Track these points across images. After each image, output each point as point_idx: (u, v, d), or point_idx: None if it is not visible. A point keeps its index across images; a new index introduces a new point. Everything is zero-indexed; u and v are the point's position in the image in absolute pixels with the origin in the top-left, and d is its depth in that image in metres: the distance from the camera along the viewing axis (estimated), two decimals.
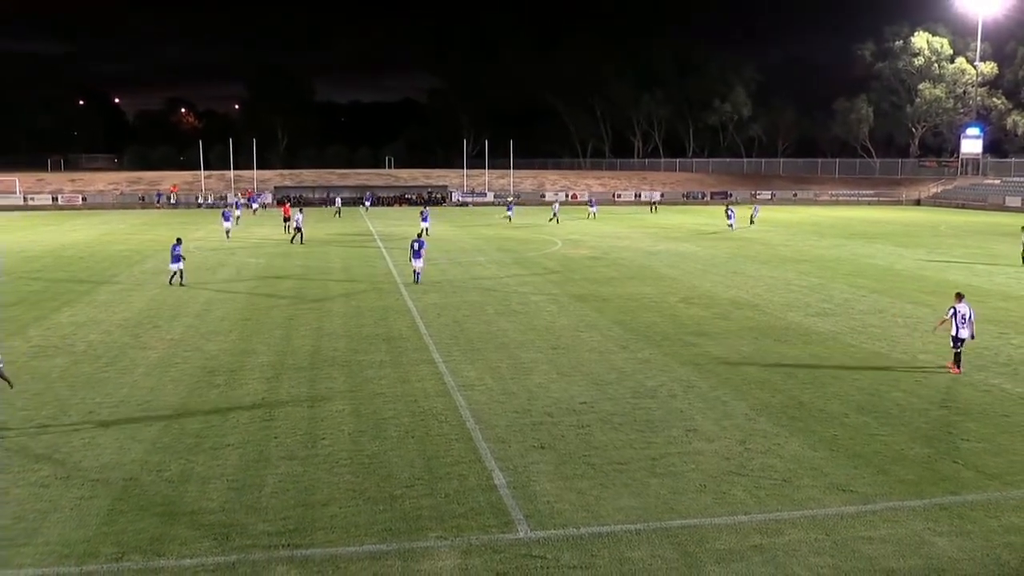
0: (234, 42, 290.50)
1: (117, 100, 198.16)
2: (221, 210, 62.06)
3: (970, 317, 19.57)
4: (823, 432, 15.72)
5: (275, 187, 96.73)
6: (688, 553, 11.09)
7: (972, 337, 19.93)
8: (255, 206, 77.47)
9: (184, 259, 33.60)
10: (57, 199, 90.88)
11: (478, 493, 12.98)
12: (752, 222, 62.58)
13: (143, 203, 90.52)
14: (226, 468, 13.98)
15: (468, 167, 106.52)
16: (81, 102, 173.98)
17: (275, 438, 15.45)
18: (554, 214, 66.64)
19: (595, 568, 10.70)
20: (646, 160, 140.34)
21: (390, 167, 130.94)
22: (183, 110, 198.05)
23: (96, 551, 11.14)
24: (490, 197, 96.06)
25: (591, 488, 13.15)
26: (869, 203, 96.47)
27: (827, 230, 59.28)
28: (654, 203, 80.00)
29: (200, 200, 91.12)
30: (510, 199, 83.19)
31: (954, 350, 19.88)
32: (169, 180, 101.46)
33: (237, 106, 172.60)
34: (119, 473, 13.77)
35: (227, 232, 53.27)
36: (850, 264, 39.88)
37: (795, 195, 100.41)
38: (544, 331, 24.62)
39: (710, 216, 73.30)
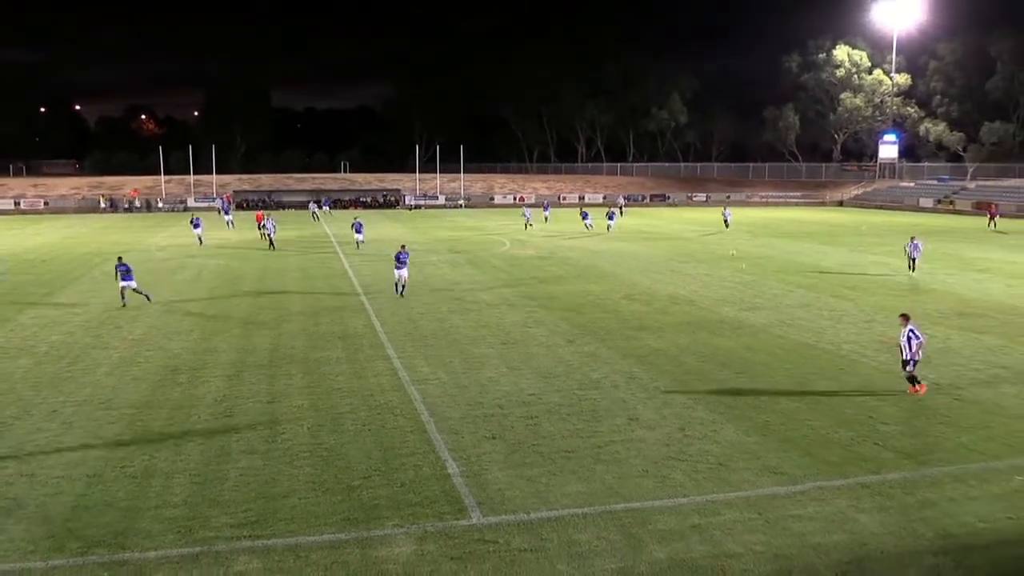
0: (193, 52, 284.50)
1: (78, 107, 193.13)
2: (191, 217, 55.58)
3: (917, 337, 17.18)
4: (756, 418, 15.97)
5: (234, 191, 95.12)
6: (632, 535, 11.19)
7: (917, 358, 17.35)
8: (228, 217, 64.95)
9: (133, 276, 28.87)
10: (20, 203, 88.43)
11: (432, 482, 12.94)
12: (727, 225, 58.64)
13: (100, 208, 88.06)
14: (188, 463, 13.74)
15: (420, 171, 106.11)
16: (43, 109, 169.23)
17: (236, 433, 15.23)
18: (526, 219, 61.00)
19: (544, 551, 10.74)
20: (589, 164, 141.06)
21: (346, 171, 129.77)
22: (143, 117, 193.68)
23: (61, 546, 10.88)
24: (441, 200, 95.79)
25: (540, 475, 13.19)
26: (796, 204, 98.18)
27: (758, 229, 60.16)
28: (620, 206, 77.48)
29: (127, 204, 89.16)
30: (620, 201, 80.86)
31: (909, 372, 17.53)
32: (130, 184, 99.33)
33: (196, 113, 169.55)
34: (83, 470, 13.45)
35: (199, 239, 49.18)
36: (779, 261, 40.54)
37: (728, 197, 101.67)
38: (494, 327, 24.63)
39: (650, 218, 74.06)
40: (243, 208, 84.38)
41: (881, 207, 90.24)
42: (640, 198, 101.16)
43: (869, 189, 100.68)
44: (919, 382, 17.47)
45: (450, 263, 40.14)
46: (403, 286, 30.28)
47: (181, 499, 12.34)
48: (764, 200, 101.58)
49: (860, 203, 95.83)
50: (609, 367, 19.92)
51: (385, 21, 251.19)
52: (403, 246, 31.73)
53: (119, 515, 11.80)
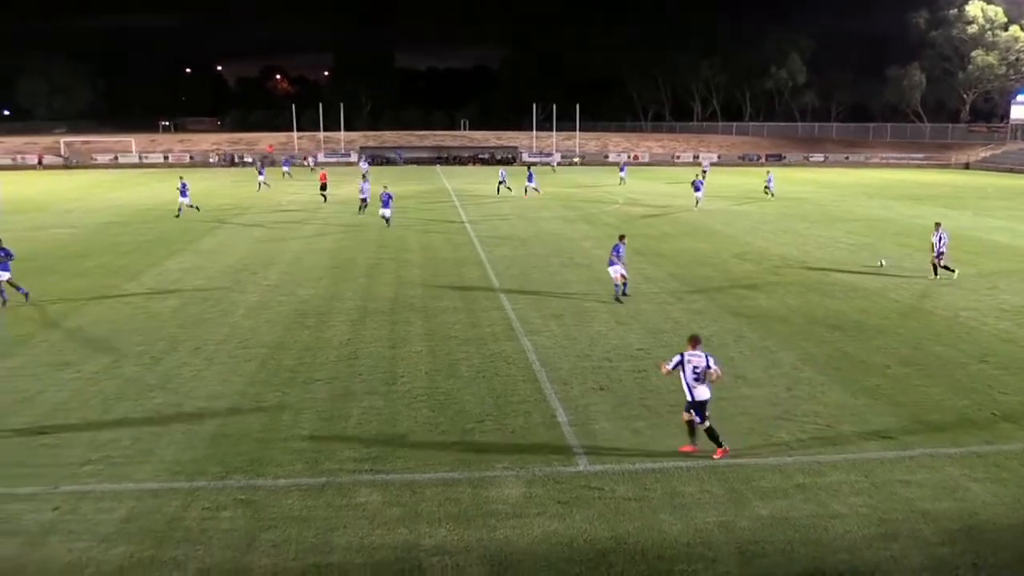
0: (324, 16, 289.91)
1: (219, 68, 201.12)
2: (179, 180, 46.22)
3: (710, 368, 11.71)
4: (865, 382, 15.39)
5: (360, 147, 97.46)
6: (734, 490, 11.05)
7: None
8: (286, 169, 69.67)
9: (9, 266, 21.35)
10: (168, 158, 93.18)
11: (542, 429, 13.10)
12: (769, 193, 50.98)
13: (211, 162, 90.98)
14: (316, 401, 14.36)
15: (536, 129, 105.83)
16: (188, 70, 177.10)
17: (359, 375, 15.79)
18: (502, 181, 53.97)
19: (648, 500, 10.75)
20: (704, 124, 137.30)
21: (464, 129, 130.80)
22: (277, 77, 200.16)
23: (204, 470, 11.61)
24: (557, 157, 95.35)
25: (646, 427, 13.15)
26: (919, 166, 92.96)
27: (876, 191, 57.34)
28: (704, 170, 73.39)
29: (240, 159, 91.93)
30: (706, 166, 76.03)
31: (689, 419, 12.01)
32: (265, 141, 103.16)
33: (326, 73, 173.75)
34: (223, 402, 14.26)
35: (179, 208, 42.13)
36: (898, 224, 38.60)
37: (847, 158, 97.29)
38: (605, 282, 24.44)
39: (764, 178, 71.49)
40: (372, 164, 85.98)
41: (1011, 170, 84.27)
42: (755, 158, 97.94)
43: (998, 151, 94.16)
44: (722, 444, 11.89)
45: (563, 219, 40.03)
46: (619, 286, 22.29)
47: (309, 433, 12.94)
48: (884, 161, 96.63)
49: (988, 166, 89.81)
50: (717, 325, 19.55)
51: None
52: (621, 237, 22.92)
53: (253, 444, 12.48)
